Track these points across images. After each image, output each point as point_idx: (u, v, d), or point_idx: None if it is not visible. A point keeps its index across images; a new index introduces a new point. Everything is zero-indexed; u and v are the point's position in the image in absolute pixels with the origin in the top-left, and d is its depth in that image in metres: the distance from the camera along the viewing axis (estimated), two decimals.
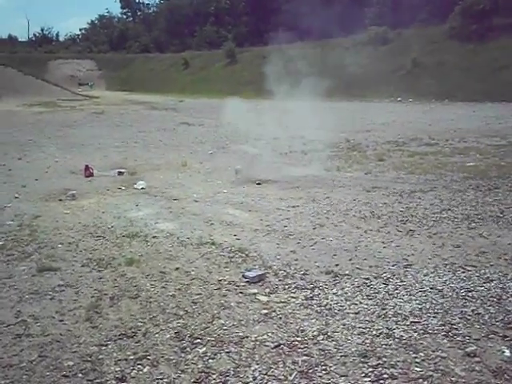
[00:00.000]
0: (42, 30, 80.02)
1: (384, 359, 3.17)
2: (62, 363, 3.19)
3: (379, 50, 33.88)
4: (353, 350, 3.28)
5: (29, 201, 7.55)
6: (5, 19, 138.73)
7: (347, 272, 4.56)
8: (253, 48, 45.22)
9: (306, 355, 3.23)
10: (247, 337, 3.47)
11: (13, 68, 42.80)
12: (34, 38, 79.00)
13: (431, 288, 4.18)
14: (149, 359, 3.22)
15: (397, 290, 4.17)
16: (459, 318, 3.67)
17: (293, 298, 4.07)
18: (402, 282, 4.33)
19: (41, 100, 32.74)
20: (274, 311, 3.84)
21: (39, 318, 3.77)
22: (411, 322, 3.64)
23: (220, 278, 4.49)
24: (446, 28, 32.32)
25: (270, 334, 3.50)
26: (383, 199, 7.17)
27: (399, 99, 27.09)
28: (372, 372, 3.04)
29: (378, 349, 3.29)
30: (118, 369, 3.12)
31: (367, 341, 3.39)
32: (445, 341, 3.37)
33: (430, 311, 3.79)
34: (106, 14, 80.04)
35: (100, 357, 3.25)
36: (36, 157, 11.84)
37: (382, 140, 13.19)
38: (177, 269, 4.73)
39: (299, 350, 3.29)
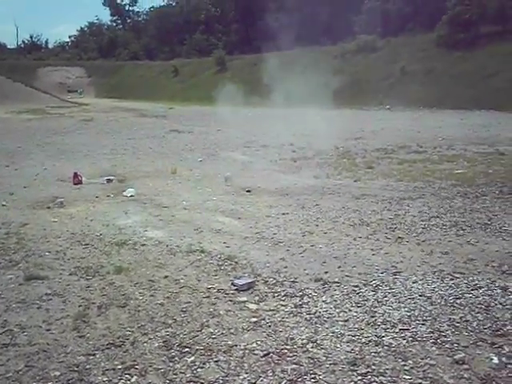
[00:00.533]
0: (31, 36, 79.68)
1: (373, 367, 3.17)
2: (48, 373, 3.15)
3: (368, 58, 34.17)
4: (342, 358, 3.28)
5: (16, 208, 7.48)
6: None
7: (336, 279, 4.56)
8: (243, 56, 45.42)
9: (295, 363, 3.22)
10: (236, 345, 3.46)
11: (1, 75, 42.61)
12: (22, 45, 78.60)
13: (420, 295, 4.20)
14: (137, 369, 3.19)
15: (386, 297, 4.18)
16: (448, 325, 3.69)
17: (282, 305, 4.06)
18: (390, 289, 4.34)
19: (30, 107, 32.55)
20: (264, 319, 3.83)
21: (26, 328, 3.73)
22: (400, 329, 3.65)
23: (209, 286, 4.47)
24: (434, 36, 32.66)
25: (259, 343, 3.49)
26: (372, 206, 7.20)
27: (388, 107, 27.28)
28: (361, 380, 3.04)
29: (367, 357, 3.29)
30: (105, 379, 3.09)
31: (356, 348, 3.39)
32: (433, 348, 3.38)
33: (419, 318, 3.80)
34: (95, 21, 79.89)
35: (87, 367, 3.22)
36: (24, 164, 11.75)
37: (371, 147, 13.27)
38: (166, 277, 4.71)
39: (288, 359, 3.28)
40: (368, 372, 3.11)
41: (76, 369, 3.19)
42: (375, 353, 3.34)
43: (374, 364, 3.21)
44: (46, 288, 4.45)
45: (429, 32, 33.29)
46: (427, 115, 23.11)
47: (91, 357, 3.33)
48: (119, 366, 3.22)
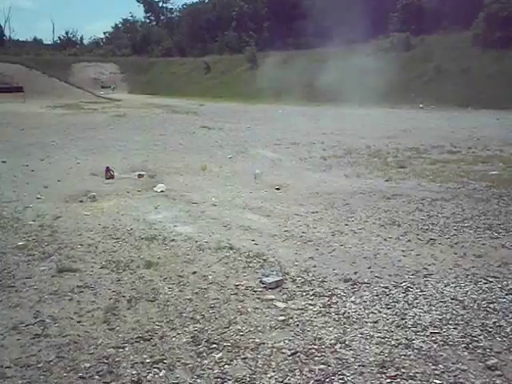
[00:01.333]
0: (67, 33, 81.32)
1: (403, 370, 3.12)
2: (79, 364, 3.20)
3: (401, 57, 33.64)
4: (371, 359, 3.24)
5: (50, 201, 7.64)
6: (31, 22, 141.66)
7: (366, 280, 4.51)
8: (274, 53, 45.27)
9: (322, 364, 3.20)
10: (264, 343, 3.45)
11: (38, 70, 43.47)
12: (58, 41, 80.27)
13: (452, 299, 4.11)
14: (165, 363, 3.22)
15: (417, 299, 4.11)
16: (480, 329, 3.60)
17: (310, 305, 4.04)
18: (422, 291, 4.26)
19: (64, 102, 33.21)
20: (291, 318, 3.81)
21: (58, 319, 3.80)
22: (431, 332, 3.58)
23: (237, 283, 4.48)
24: (469, 35, 31.96)
25: (286, 341, 3.47)
26: (404, 207, 7.09)
27: (421, 106, 26.85)
28: (390, 383, 2.99)
29: (397, 359, 3.24)
30: (134, 372, 3.12)
31: (386, 351, 3.34)
32: (465, 353, 3.31)
33: (451, 322, 3.72)
34: (129, 17, 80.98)
35: (117, 359, 3.26)
36: (58, 158, 11.99)
37: (403, 147, 13.06)
38: (194, 273, 4.73)
39: (316, 359, 3.26)
40: (397, 375, 3.06)
41: (106, 361, 3.24)
42: (405, 356, 3.29)
43: (403, 367, 3.16)
44: (78, 280, 4.53)
45: (464, 30, 32.59)
46: (461, 115, 22.64)
47: (121, 349, 3.38)
48: (148, 360, 3.25)
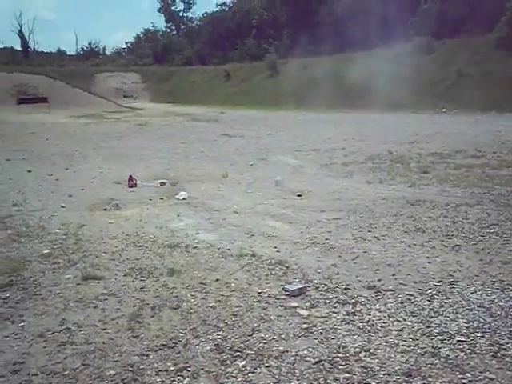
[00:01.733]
0: (90, 44, 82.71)
1: (429, 379, 3.07)
2: (104, 372, 3.23)
3: (423, 61, 33.35)
4: (396, 368, 3.19)
5: (75, 210, 7.74)
6: (54, 34, 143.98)
7: (390, 287, 4.46)
8: (294, 59, 45.33)
9: (347, 372, 3.16)
10: (287, 351, 3.43)
11: (61, 81, 44.26)
12: (81, 52, 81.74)
13: (479, 306, 4.04)
14: (189, 371, 3.22)
15: (442, 307, 4.05)
16: (508, 337, 3.53)
17: (334, 312, 4.01)
18: (447, 299, 4.20)
19: (87, 112, 33.73)
20: (315, 326, 3.79)
21: (83, 326, 3.84)
22: (458, 341, 3.52)
23: (260, 291, 4.47)
24: (492, 38, 31.53)
25: (310, 349, 3.45)
26: (428, 213, 7.00)
27: (444, 110, 26.55)
28: None
29: (423, 368, 3.19)
30: (159, 379, 3.13)
31: (411, 359, 3.29)
32: (493, 362, 3.25)
33: (478, 330, 3.65)
34: (151, 27, 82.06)
35: (141, 367, 3.28)
36: (82, 167, 12.17)
37: (426, 152, 12.92)
38: (217, 280, 4.74)
39: (341, 367, 3.22)
40: None
41: (130, 368, 3.26)
42: (431, 364, 3.23)
43: (430, 376, 3.11)
44: (103, 288, 4.57)
45: (487, 33, 32.16)
46: (485, 119, 22.29)
47: (145, 357, 3.39)
48: (172, 368, 3.26)
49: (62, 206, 7.98)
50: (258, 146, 15.72)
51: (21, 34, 72.11)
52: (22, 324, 3.89)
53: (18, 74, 43.56)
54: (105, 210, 7.84)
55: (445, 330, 3.68)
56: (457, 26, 36.25)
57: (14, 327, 3.84)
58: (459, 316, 3.89)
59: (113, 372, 3.22)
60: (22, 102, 36.34)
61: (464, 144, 14.03)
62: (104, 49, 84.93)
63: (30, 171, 11.53)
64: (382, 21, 42.11)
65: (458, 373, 3.14)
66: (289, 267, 5.02)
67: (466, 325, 3.74)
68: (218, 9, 70.31)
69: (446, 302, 4.13)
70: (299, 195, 8.55)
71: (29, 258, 5.37)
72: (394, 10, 40.82)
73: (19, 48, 72.36)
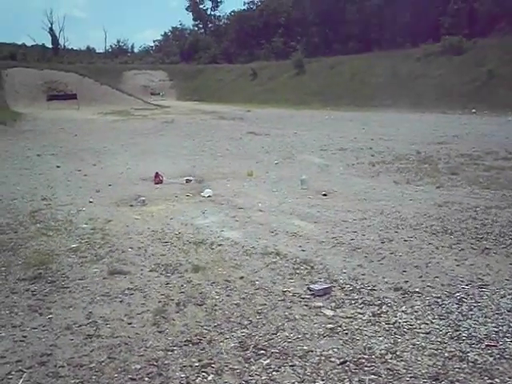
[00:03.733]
0: (118, 41, 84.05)
1: (457, 383, 3.00)
2: (129, 366, 3.25)
3: (453, 61, 32.78)
4: (423, 371, 3.14)
5: (102, 205, 7.85)
6: (84, 31, 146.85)
7: (417, 289, 4.38)
8: (321, 58, 45.09)
9: (373, 374, 3.12)
10: (312, 351, 3.40)
11: (90, 78, 44.92)
12: (110, 50, 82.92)
13: (508, 311, 3.94)
14: (213, 367, 3.22)
15: (471, 310, 3.96)
16: None
17: (359, 313, 3.96)
18: (476, 302, 4.10)
19: (115, 109, 34.15)
20: (340, 326, 3.75)
21: (109, 320, 3.88)
22: (487, 345, 3.44)
23: (284, 289, 4.45)
24: None
25: (335, 350, 3.41)
26: (456, 214, 6.87)
27: (473, 111, 26.03)
28: None
29: (451, 372, 3.13)
30: (183, 375, 3.14)
31: (439, 363, 3.23)
32: None
33: (508, 335, 3.57)
34: (178, 26, 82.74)
35: (166, 362, 3.29)
36: (109, 163, 12.32)
37: (455, 153, 12.68)
38: (241, 278, 4.74)
39: (366, 369, 3.18)
40: None
41: (155, 363, 3.27)
42: (459, 369, 3.17)
43: (457, 380, 3.04)
44: (128, 283, 4.62)
45: None
46: None
47: (170, 352, 3.41)
48: (196, 364, 3.26)
49: (90, 201, 8.10)
50: (284, 144, 15.67)
51: (51, 31, 73.43)
52: (50, 316, 3.95)
53: (48, 70, 44.43)
54: (131, 205, 7.92)
55: (473, 334, 3.60)
56: (488, 25, 35.53)
57: (42, 319, 3.91)
58: (488, 320, 3.80)
59: (138, 366, 3.24)
60: (52, 99, 37.10)
61: (494, 145, 13.71)
62: (132, 47, 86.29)
63: (58, 166, 11.74)
64: (410, 20, 41.60)
65: (486, 378, 3.07)
66: (314, 267, 4.99)
67: (496, 329, 3.65)
68: (245, 7, 70.46)
69: (475, 306, 4.04)
70: (325, 194, 8.48)
71: (57, 252, 5.47)
72: (424, 8, 40.27)
73: (50, 45, 73.73)
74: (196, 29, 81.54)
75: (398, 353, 3.36)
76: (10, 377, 3.14)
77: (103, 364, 3.28)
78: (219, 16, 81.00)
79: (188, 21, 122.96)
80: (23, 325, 3.81)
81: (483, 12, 37.49)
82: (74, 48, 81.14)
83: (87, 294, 4.39)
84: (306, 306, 4.12)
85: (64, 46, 77.45)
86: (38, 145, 16.08)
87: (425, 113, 25.86)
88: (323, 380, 3.07)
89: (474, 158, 11.95)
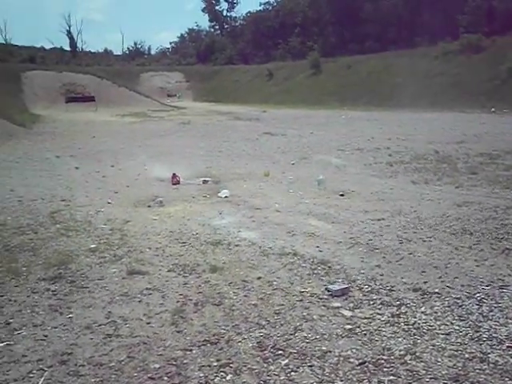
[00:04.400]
0: (135, 43, 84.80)
1: None
2: (148, 365, 3.27)
3: (472, 59, 32.39)
4: (443, 372, 3.10)
5: (120, 206, 7.91)
6: (101, 34, 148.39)
7: (437, 290, 4.34)
8: (338, 58, 44.91)
9: (392, 375, 3.10)
10: (330, 351, 3.39)
11: (108, 80, 45.36)
12: (127, 52, 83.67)
13: None
14: (231, 367, 3.23)
15: (492, 311, 3.91)
16: None
17: (378, 314, 3.93)
18: (497, 303, 4.05)
19: (132, 110, 34.43)
20: (359, 327, 3.73)
21: (128, 320, 3.91)
22: (508, 346, 3.39)
23: (302, 290, 4.44)
24: None
25: (354, 351, 3.39)
26: (476, 215, 6.78)
27: (493, 110, 25.68)
28: None
29: (472, 373, 3.09)
30: (201, 374, 3.15)
31: (459, 364, 3.20)
32: None
33: None
34: (195, 27, 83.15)
35: (185, 361, 3.31)
36: (127, 164, 12.42)
37: (474, 152, 12.52)
38: (259, 278, 4.74)
39: (385, 369, 3.16)
40: None
41: (174, 363, 3.29)
42: (480, 370, 3.13)
43: (478, 382, 3.01)
44: (147, 283, 4.65)
45: None
46: None
47: (188, 352, 3.42)
48: (215, 363, 3.27)
49: (108, 202, 8.17)
50: (300, 144, 15.64)
51: (69, 34, 74.46)
52: (70, 316, 4.00)
53: (66, 73, 44.99)
54: (149, 206, 7.97)
55: (494, 335, 3.55)
56: (507, 22, 34.99)
57: (62, 319, 3.95)
58: (509, 321, 3.74)
59: (157, 365, 3.26)
60: (71, 101, 37.52)
61: None
62: (149, 49, 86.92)
63: (77, 168, 11.88)
64: (428, 18, 41.22)
65: (507, 379, 3.02)
66: (331, 267, 4.97)
67: None
68: (261, 8, 70.56)
69: (495, 307, 3.98)
70: (342, 195, 8.44)
71: (76, 252, 5.53)
72: (441, 6, 39.87)
73: (68, 48, 74.74)
74: (212, 30, 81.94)
75: (417, 354, 3.33)
76: (32, 375, 3.19)
77: (123, 363, 3.31)
78: (235, 17, 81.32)
79: (204, 22, 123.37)
80: (44, 324, 3.86)
81: (502, 9, 36.94)
82: (92, 51, 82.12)
83: (106, 293, 4.42)
84: (324, 306, 4.11)
85: (82, 49, 78.49)
86: (57, 146, 16.29)
87: (443, 112, 25.59)
88: (342, 381, 3.06)
89: (494, 157, 11.79)
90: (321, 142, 15.98)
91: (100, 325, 3.83)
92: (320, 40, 53.83)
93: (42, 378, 3.15)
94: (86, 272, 4.94)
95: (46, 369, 3.26)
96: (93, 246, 5.76)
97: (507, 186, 8.57)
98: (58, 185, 9.79)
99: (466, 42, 34.00)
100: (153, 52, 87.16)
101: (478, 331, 3.61)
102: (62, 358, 3.39)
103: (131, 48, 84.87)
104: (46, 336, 3.68)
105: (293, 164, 12.01)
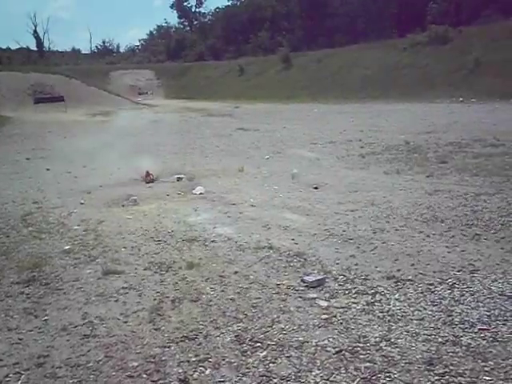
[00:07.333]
0: (104, 42, 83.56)
1: (451, 367, 3.06)
2: (127, 364, 3.27)
3: (439, 50, 32.92)
4: (417, 357, 3.18)
5: (94, 206, 7.83)
6: (69, 33, 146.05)
7: (410, 277, 4.44)
8: (308, 52, 45.13)
9: (368, 362, 3.16)
10: (307, 342, 3.44)
11: (77, 79, 44.55)
12: (96, 50, 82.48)
13: (500, 294, 4.00)
14: (210, 362, 3.25)
15: (463, 296, 4.02)
16: None
17: (354, 303, 4.00)
18: (468, 287, 4.16)
19: (103, 109, 33.91)
20: (335, 316, 3.79)
21: (105, 320, 3.89)
22: (479, 329, 3.49)
23: (278, 283, 4.48)
24: (510, 25, 30.93)
25: (330, 340, 3.45)
26: (446, 202, 6.93)
27: (461, 99, 26.16)
28: (439, 380, 2.94)
29: (445, 356, 3.18)
30: (180, 370, 3.17)
31: (433, 348, 3.28)
32: None
33: (500, 318, 3.63)
34: (164, 24, 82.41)
35: (163, 358, 3.31)
36: (99, 164, 12.25)
37: (444, 142, 12.77)
38: (235, 273, 4.76)
39: (361, 357, 3.23)
40: (446, 372, 3.01)
41: (152, 360, 3.30)
42: (453, 353, 3.22)
43: (451, 364, 3.09)
44: (123, 282, 4.63)
45: (507, 20, 31.56)
46: (504, 107, 21.89)
47: (166, 349, 3.43)
48: (193, 359, 3.29)
49: (81, 203, 8.08)
50: (274, 139, 15.69)
51: (36, 34, 72.98)
52: (46, 318, 3.95)
53: (34, 73, 43.91)
54: (123, 205, 7.91)
55: (466, 318, 3.65)
56: (474, 13, 35.67)
57: (37, 321, 3.91)
58: (480, 304, 3.86)
59: (135, 364, 3.26)
60: (39, 101, 36.73)
61: (482, 133, 13.82)
62: (118, 46, 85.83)
63: (48, 169, 11.68)
64: (397, 10, 41.69)
65: (480, 361, 3.12)
66: (307, 259, 5.02)
67: (488, 313, 3.71)
68: (230, 3, 70.33)
69: (466, 291, 4.09)
70: (316, 188, 8.52)
71: (50, 254, 5.46)
72: None
73: (35, 48, 73.27)
74: (181, 26, 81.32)
75: (392, 340, 3.40)
76: (8, 379, 3.15)
77: (100, 363, 3.29)
78: (204, 13, 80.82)
79: (173, 19, 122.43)
80: (19, 327, 3.81)
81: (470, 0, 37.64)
82: (60, 50, 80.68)
83: (82, 294, 4.39)
84: (301, 297, 4.16)
85: (49, 48, 77.02)
86: (27, 148, 15.97)
87: (413, 103, 25.95)
88: (319, 369, 3.11)
89: (463, 145, 12.04)
90: (294, 136, 16.05)
91: (76, 326, 3.80)
92: (289, 34, 53.97)
93: (19, 382, 3.11)
94: (61, 274, 4.88)
95: (22, 372, 3.22)
96: (67, 247, 5.69)
97: (476, 174, 8.78)
98: (29, 187, 9.62)
99: (433, 34, 34.54)
100: (122, 50, 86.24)
101: (450, 315, 3.71)
102: (38, 360, 3.36)
103: (100, 46, 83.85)
104: (21, 339, 3.63)
105: (267, 159, 12.05)
